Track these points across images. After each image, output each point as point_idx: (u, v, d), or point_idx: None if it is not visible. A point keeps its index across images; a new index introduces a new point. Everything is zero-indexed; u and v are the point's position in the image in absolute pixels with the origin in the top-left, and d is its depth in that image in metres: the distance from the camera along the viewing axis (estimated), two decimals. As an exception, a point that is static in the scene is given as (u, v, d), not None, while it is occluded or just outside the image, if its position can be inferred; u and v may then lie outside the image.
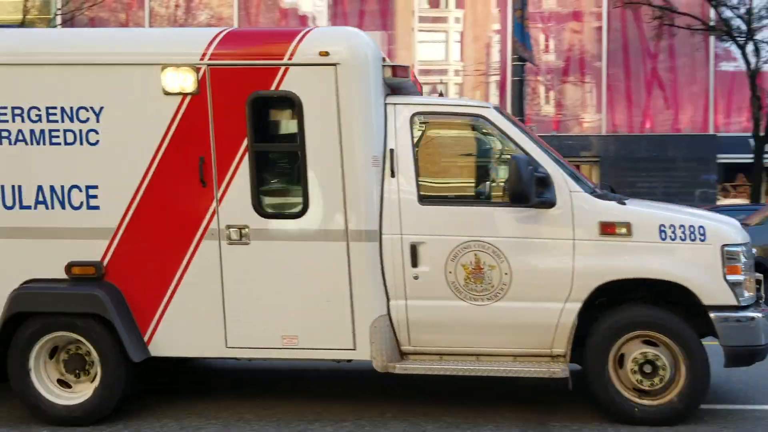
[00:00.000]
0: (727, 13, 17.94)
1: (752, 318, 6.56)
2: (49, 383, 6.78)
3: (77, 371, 6.81)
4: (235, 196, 6.63)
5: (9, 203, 6.74)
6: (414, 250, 6.63)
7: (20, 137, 6.72)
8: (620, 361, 6.67)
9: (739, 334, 6.55)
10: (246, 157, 6.61)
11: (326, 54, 6.56)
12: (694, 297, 6.53)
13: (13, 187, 6.73)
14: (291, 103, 6.61)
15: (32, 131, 6.72)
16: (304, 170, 6.60)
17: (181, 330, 6.72)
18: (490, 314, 6.61)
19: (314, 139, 6.58)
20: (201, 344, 6.76)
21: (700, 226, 6.59)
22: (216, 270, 6.66)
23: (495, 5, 27.04)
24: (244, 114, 6.60)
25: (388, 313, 6.66)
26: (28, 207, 6.73)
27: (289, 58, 6.59)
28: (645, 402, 6.62)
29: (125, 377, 6.72)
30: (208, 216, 6.65)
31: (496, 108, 6.90)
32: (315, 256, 6.62)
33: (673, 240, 6.55)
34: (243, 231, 6.63)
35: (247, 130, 6.60)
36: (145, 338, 6.71)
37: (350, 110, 6.56)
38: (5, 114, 6.72)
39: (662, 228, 6.57)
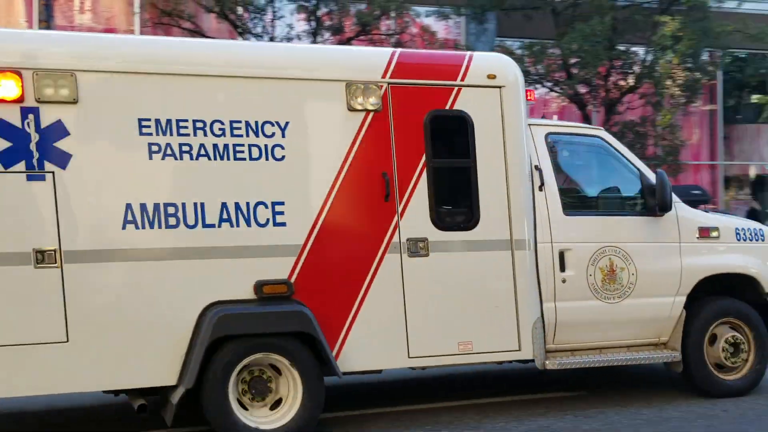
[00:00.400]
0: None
1: None
2: (245, 412, 6.40)
3: (257, 397, 6.49)
4: (414, 210, 6.88)
5: (191, 222, 6.31)
6: (562, 256, 7.37)
7: (202, 152, 6.36)
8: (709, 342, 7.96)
9: None
10: (424, 173, 6.91)
11: (494, 77, 7.12)
12: (758, 287, 8.04)
13: (195, 204, 6.33)
14: (464, 122, 7.04)
15: (215, 146, 6.39)
16: (475, 185, 7.05)
17: (367, 344, 6.75)
18: (620, 311, 7.56)
19: (483, 155, 7.09)
20: (385, 357, 6.86)
21: (760, 229, 8.15)
22: (398, 282, 6.83)
23: (23, 15, 25.61)
24: (422, 131, 6.91)
25: (542, 315, 7.30)
26: (212, 225, 6.35)
27: (461, 79, 7.05)
28: (727, 377, 7.95)
29: (323, 396, 6.62)
30: (390, 230, 6.82)
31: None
32: (485, 264, 7.09)
33: (745, 241, 8.03)
34: (422, 243, 6.89)
35: (425, 146, 6.91)
36: (333, 354, 6.67)
37: (512, 129, 7.16)
38: (186, 127, 6.33)
39: (737, 231, 8.03)
